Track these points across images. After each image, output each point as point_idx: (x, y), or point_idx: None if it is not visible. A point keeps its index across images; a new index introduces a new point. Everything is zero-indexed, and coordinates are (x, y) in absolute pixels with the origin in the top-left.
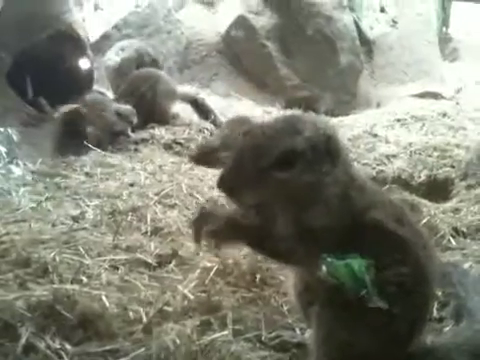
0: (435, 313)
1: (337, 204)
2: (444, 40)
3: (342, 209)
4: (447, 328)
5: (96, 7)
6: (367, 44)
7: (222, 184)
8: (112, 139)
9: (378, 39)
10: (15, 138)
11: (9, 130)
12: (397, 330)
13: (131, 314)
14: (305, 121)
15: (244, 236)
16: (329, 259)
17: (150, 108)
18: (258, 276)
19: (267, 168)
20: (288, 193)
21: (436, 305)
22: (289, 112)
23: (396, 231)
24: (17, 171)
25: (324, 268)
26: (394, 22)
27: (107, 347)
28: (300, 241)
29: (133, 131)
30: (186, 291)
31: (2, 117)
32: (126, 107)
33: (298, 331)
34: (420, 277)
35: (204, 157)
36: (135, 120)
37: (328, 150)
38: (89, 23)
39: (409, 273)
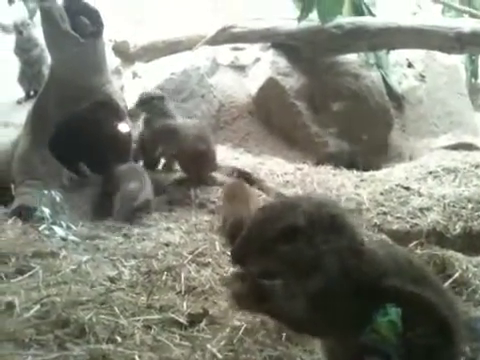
0: None
1: (339, 275)
2: (475, 91)
3: (347, 279)
4: None
5: (134, 75)
6: (396, 99)
7: (233, 256)
8: None
9: (407, 93)
10: (58, 199)
11: (53, 192)
12: None
13: None
14: (311, 201)
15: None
16: (375, 317)
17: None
18: (284, 334)
19: (272, 241)
20: (291, 265)
21: None
22: (319, 169)
23: (415, 293)
24: (60, 232)
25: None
26: (422, 76)
27: None
28: (309, 311)
29: None
30: (215, 350)
31: (45, 183)
32: None
33: None
34: (446, 337)
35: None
36: None
37: (330, 227)
38: (127, 90)
39: (434, 334)
